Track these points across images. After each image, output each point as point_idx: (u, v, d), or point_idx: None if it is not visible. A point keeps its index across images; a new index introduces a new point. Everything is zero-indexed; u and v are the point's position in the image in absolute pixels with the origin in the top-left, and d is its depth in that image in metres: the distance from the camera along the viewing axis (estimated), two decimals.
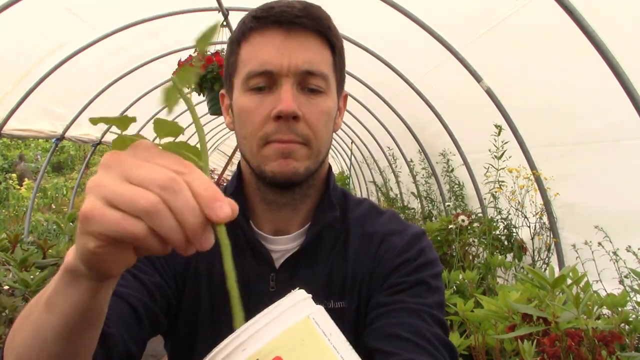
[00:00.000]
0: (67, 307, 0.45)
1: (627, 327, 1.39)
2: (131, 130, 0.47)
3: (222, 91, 0.82)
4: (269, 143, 0.70)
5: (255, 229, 0.80)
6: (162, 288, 0.74)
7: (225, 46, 3.97)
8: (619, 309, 1.41)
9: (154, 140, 0.45)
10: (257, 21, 0.71)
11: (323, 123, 0.73)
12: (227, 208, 0.37)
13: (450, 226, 3.18)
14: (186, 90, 0.42)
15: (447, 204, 4.65)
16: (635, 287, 1.73)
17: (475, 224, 3.21)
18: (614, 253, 1.99)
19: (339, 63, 0.77)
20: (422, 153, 5.09)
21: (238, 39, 0.74)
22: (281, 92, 0.69)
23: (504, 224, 3.19)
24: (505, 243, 3.14)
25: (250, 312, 0.71)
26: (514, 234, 3.14)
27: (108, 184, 0.36)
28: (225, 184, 0.90)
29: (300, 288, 0.74)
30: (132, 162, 0.37)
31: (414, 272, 0.75)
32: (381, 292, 0.76)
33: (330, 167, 0.84)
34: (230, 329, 0.41)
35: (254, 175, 0.76)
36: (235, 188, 0.80)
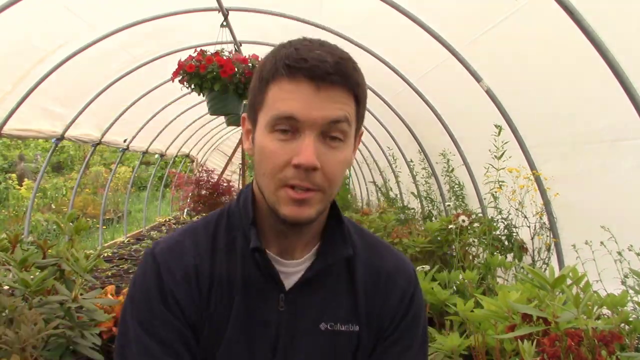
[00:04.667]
0: None
1: (627, 327, 1.39)
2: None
3: (244, 115, 0.86)
4: (286, 187, 0.75)
5: (267, 251, 0.84)
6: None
7: (225, 46, 3.94)
8: (619, 309, 1.41)
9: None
10: (289, 70, 0.73)
11: (339, 172, 0.78)
12: None
13: (450, 226, 3.18)
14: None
15: (447, 204, 4.65)
16: (637, 287, 1.72)
17: (476, 224, 3.21)
18: (619, 253, 1.99)
19: (361, 112, 0.82)
20: (422, 153, 5.09)
21: (267, 79, 0.76)
22: (304, 143, 0.72)
23: (504, 224, 3.19)
24: (506, 243, 3.14)
25: (257, 326, 0.82)
26: (514, 234, 3.13)
27: None
28: (230, 200, 0.97)
29: (309, 309, 0.84)
30: None
31: (415, 327, 0.89)
32: (388, 344, 0.86)
33: (334, 201, 0.88)
34: None
35: (267, 207, 0.80)
36: (253, 218, 0.84)
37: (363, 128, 0.89)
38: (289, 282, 0.84)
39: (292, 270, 0.85)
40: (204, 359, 0.81)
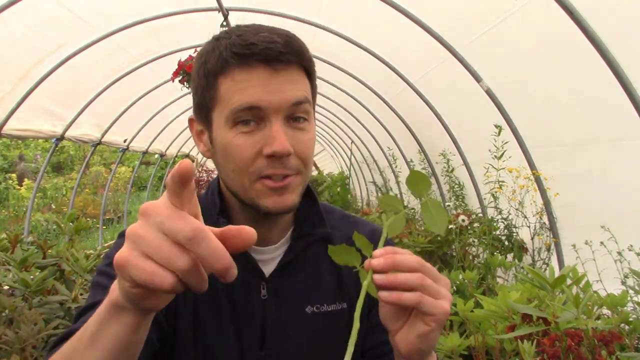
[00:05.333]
0: (110, 343, 0.49)
1: (627, 327, 1.39)
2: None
3: (192, 117, 0.80)
4: (261, 178, 0.72)
5: None
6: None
7: None
8: (619, 309, 1.41)
9: None
10: (239, 58, 0.69)
11: (310, 151, 0.76)
12: (231, 277, 0.43)
13: (450, 226, 3.18)
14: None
15: (447, 204, 4.65)
16: (637, 287, 1.72)
17: (476, 224, 3.21)
18: (619, 253, 1.99)
19: (314, 86, 0.79)
20: (422, 153, 5.09)
21: (215, 72, 0.71)
22: (272, 131, 0.69)
23: (504, 224, 3.19)
24: (506, 243, 3.14)
25: (242, 319, 0.76)
26: (514, 234, 3.14)
27: (146, 236, 0.42)
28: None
29: (292, 293, 0.78)
30: (166, 214, 0.42)
31: None
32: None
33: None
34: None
35: (242, 203, 0.77)
36: (220, 207, 0.81)
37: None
38: (268, 269, 0.81)
39: (269, 257, 0.82)
40: (190, 356, 0.78)
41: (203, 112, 0.76)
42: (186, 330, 0.78)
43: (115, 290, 0.48)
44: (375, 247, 0.82)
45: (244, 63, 0.69)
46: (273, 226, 0.82)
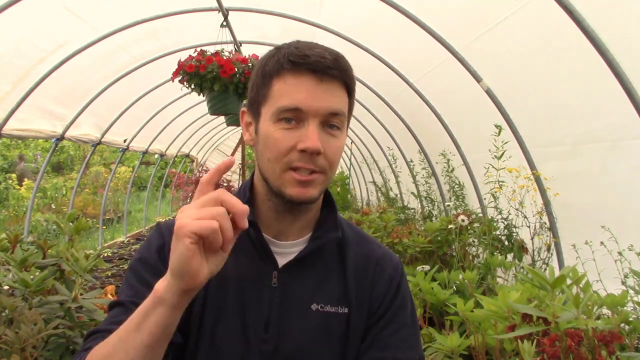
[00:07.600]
0: (153, 327, 0.66)
1: (627, 327, 1.39)
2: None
3: (244, 109, 0.94)
4: (291, 169, 0.83)
5: (262, 233, 0.92)
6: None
7: (225, 46, 3.93)
8: (619, 309, 1.41)
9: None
10: (293, 65, 0.81)
11: (338, 157, 0.87)
12: (246, 222, 0.65)
13: (450, 226, 3.18)
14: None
15: (447, 204, 4.65)
16: (637, 287, 1.72)
17: (476, 224, 3.21)
18: (619, 253, 1.99)
19: (351, 103, 0.91)
20: (422, 153, 5.09)
21: (271, 74, 0.84)
22: (308, 130, 0.81)
23: (504, 224, 3.19)
24: (506, 243, 3.14)
25: (250, 300, 0.90)
26: (514, 234, 3.13)
27: (190, 213, 0.64)
28: (232, 188, 0.97)
29: (301, 288, 0.92)
30: (196, 208, 0.64)
31: (403, 310, 0.94)
32: (378, 329, 0.91)
33: (328, 190, 0.98)
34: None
35: (269, 191, 0.88)
36: (248, 198, 0.93)
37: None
38: (281, 261, 0.91)
39: (285, 251, 0.92)
40: (198, 333, 0.86)
41: (254, 106, 0.88)
42: (199, 313, 0.87)
43: (158, 289, 0.66)
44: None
45: (296, 70, 0.81)
46: (293, 221, 0.92)
